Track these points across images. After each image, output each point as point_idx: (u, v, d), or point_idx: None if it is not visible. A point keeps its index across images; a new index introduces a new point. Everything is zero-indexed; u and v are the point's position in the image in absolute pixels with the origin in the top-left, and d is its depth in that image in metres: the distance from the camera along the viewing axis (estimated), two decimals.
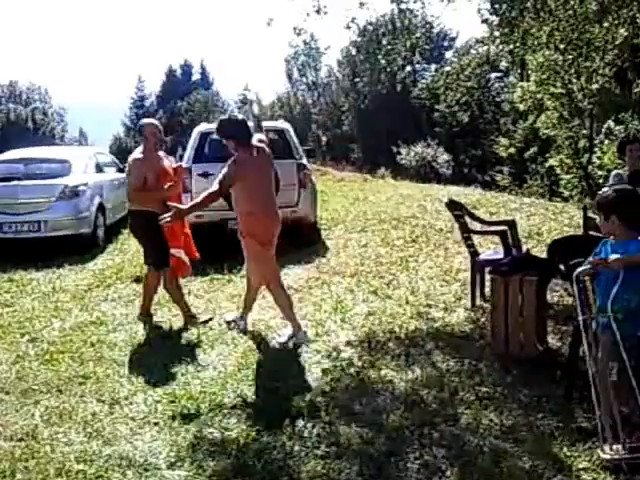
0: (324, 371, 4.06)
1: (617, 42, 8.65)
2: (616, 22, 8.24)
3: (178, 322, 5.07)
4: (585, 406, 3.30)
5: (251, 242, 4.54)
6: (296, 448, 3.16)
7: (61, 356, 4.50)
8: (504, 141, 27.02)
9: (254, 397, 3.74)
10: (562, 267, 4.09)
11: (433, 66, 37.75)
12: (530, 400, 3.52)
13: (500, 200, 10.78)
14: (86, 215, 8.07)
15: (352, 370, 4.05)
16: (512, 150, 26.21)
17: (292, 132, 8.26)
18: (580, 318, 3.04)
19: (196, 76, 58.32)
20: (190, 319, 5.01)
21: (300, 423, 3.39)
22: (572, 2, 7.82)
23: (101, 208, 8.49)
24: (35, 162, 8.54)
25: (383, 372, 3.99)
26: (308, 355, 4.34)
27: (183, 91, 53.19)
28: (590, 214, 4.80)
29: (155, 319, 5.18)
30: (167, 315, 5.25)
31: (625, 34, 8.22)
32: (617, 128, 14.24)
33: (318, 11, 7.62)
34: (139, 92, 56.76)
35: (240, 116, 4.75)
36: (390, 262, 6.79)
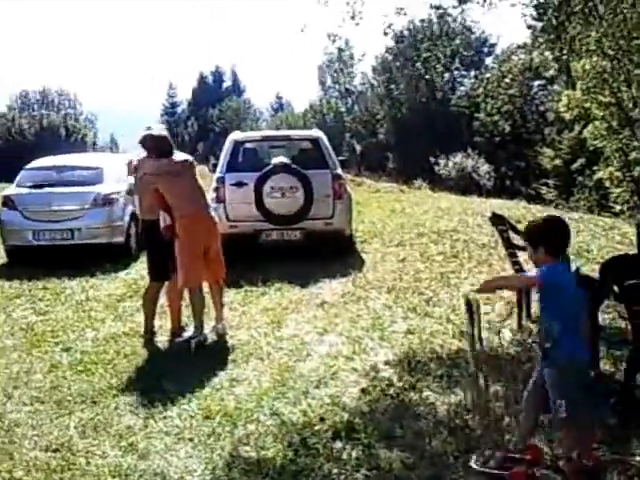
0: (362, 391, 3.94)
1: None
2: None
3: (213, 335, 5.01)
4: None
5: (184, 242, 4.80)
6: (335, 471, 3.07)
7: (95, 367, 4.49)
8: (549, 152, 26.07)
9: (290, 415, 3.64)
10: (615, 288, 3.89)
11: (472, 72, 36.88)
12: None
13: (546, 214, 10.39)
14: (119, 224, 8.02)
15: (392, 391, 3.92)
16: (558, 162, 25.22)
17: (326, 141, 7.97)
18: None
19: (227, 83, 58.62)
20: (146, 335, 5.04)
21: (338, 444, 3.30)
22: (623, 6, 7.52)
23: (134, 217, 8.45)
24: (68, 169, 8.49)
25: (424, 394, 3.86)
26: (345, 374, 4.22)
27: (214, 98, 53.38)
28: None
29: (187, 332, 5.11)
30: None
31: None
32: None
33: (353, 17, 7.45)
34: (170, 99, 57.22)
35: (164, 132, 5.16)
36: (430, 278, 6.60)
